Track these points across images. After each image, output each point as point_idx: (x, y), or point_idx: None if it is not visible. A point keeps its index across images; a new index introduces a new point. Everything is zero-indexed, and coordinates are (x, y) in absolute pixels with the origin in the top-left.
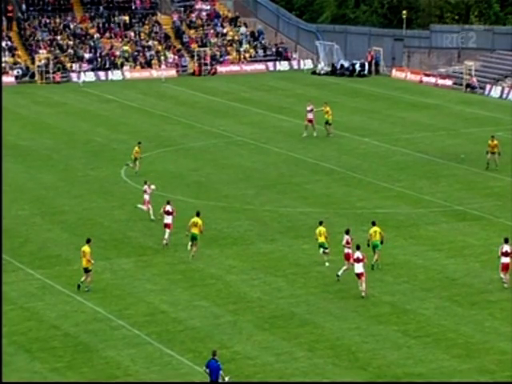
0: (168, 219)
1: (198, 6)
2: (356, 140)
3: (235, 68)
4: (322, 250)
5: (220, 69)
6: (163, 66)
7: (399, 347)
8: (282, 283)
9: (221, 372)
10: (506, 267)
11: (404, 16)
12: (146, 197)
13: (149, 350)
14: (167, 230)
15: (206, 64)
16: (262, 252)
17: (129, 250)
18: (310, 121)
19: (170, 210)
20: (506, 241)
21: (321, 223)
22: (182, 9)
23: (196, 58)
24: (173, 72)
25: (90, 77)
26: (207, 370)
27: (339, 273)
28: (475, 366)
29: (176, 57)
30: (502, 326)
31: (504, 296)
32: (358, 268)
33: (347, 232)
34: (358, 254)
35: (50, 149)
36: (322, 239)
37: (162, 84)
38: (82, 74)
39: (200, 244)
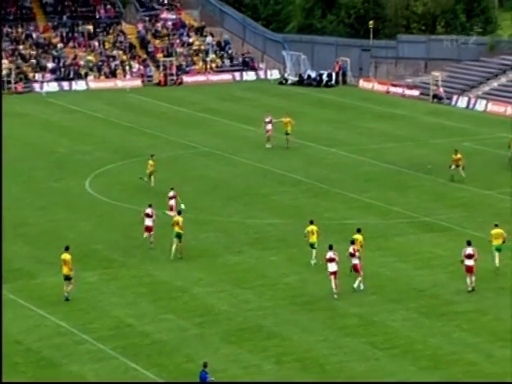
0: (148, 222)
1: (164, 15)
2: (323, 150)
3: (201, 78)
4: (312, 250)
5: (186, 79)
6: (128, 76)
7: (367, 359)
8: (250, 295)
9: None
10: (470, 269)
11: (371, 26)
12: (172, 202)
13: (114, 364)
14: (147, 233)
15: (171, 74)
16: (229, 264)
17: (94, 262)
18: (267, 131)
19: (150, 213)
20: (469, 243)
21: (311, 222)
22: (147, 18)
23: (161, 67)
24: (138, 82)
25: (53, 87)
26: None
27: (355, 285)
28: (443, 378)
29: (141, 67)
30: (470, 337)
31: (471, 307)
32: (332, 267)
33: (352, 242)
34: (330, 254)
35: (13, 160)
36: (313, 239)
37: (127, 94)
38: (45, 84)
39: (165, 257)
